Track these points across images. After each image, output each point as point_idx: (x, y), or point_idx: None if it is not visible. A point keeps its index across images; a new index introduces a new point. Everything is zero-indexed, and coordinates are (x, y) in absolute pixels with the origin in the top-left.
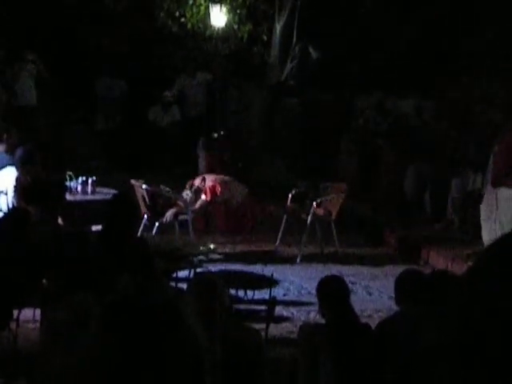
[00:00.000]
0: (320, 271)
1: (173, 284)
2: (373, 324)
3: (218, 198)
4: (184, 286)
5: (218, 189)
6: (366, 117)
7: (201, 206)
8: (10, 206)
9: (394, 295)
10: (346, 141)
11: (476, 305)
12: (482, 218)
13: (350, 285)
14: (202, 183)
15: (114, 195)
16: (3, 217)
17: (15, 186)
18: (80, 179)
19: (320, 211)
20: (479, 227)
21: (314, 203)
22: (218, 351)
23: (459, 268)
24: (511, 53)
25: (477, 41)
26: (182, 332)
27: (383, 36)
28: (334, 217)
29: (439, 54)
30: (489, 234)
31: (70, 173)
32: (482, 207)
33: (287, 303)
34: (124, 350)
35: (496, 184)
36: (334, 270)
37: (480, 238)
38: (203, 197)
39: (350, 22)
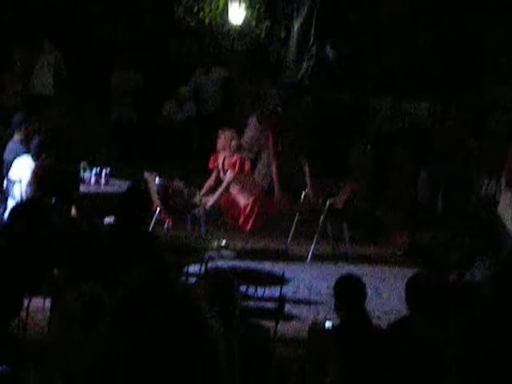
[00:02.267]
0: (330, 271)
1: (183, 278)
2: (382, 326)
3: (244, 173)
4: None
5: (247, 166)
6: (380, 118)
7: (229, 182)
8: (24, 195)
9: (403, 297)
10: (359, 141)
11: (496, 313)
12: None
13: None
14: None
15: (128, 188)
16: (19, 206)
17: (32, 177)
18: (94, 170)
19: (332, 210)
20: None
21: (327, 202)
22: (235, 349)
23: None
24: None
25: (496, 40)
26: (202, 326)
27: (400, 38)
28: (345, 217)
29: (456, 56)
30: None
31: (84, 164)
32: (501, 210)
33: (297, 301)
34: (141, 340)
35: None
36: (344, 270)
37: None
38: (228, 173)
39: (367, 22)
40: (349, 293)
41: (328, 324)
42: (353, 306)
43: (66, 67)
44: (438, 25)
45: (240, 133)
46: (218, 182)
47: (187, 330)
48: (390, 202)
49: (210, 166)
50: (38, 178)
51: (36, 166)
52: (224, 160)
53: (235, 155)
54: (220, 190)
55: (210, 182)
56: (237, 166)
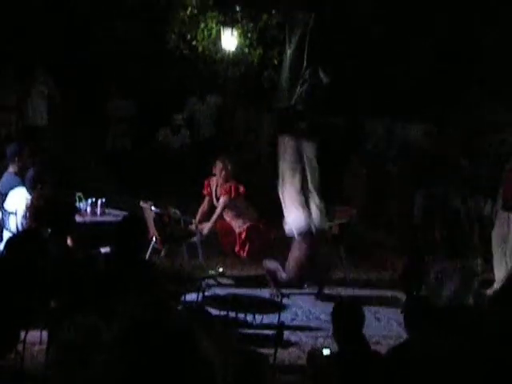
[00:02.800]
0: (328, 296)
1: (180, 307)
2: (381, 350)
3: (239, 198)
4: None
5: (242, 189)
6: (374, 141)
7: (223, 207)
8: (20, 227)
9: (402, 321)
10: (354, 165)
11: (493, 336)
12: (493, 244)
13: None
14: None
15: (124, 217)
16: (14, 238)
17: (27, 208)
18: (89, 200)
19: (329, 236)
20: (489, 253)
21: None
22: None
23: None
24: None
25: (488, 62)
26: (196, 356)
27: (393, 61)
28: (342, 241)
29: (450, 78)
30: (501, 259)
31: (80, 194)
32: (494, 234)
33: (295, 328)
34: (140, 371)
35: (508, 207)
36: (343, 295)
37: (489, 263)
38: (222, 198)
39: (360, 46)
40: (346, 319)
41: (326, 351)
42: (351, 332)
43: (60, 97)
44: (431, 44)
45: (235, 159)
46: (212, 208)
47: (183, 359)
48: (386, 224)
49: (204, 192)
50: (33, 209)
51: (31, 197)
52: (217, 186)
53: (229, 182)
54: (215, 216)
55: (204, 208)
56: (232, 191)
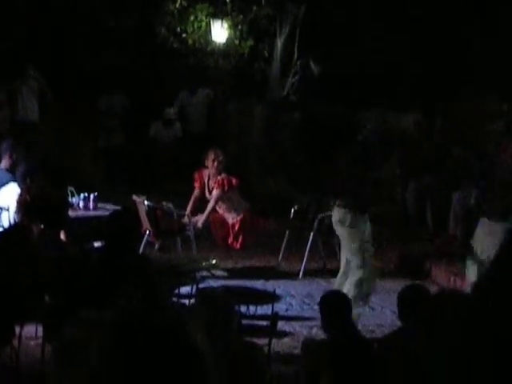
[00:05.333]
0: (322, 286)
1: (175, 300)
2: (376, 339)
3: (232, 190)
4: (186, 301)
5: (234, 181)
6: (366, 131)
7: (216, 200)
8: (12, 222)
9: (396, 310)
10: (347, 155)
11: (479, 324)
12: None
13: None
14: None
15: (114, 211)
16: (4, 233)
17: (17, 203)
18: (82, 195)
19: (322, 226)
20: None
21: (317, 218)
22: (222, 367)
23: (461, 283)
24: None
25: (481, 51)
26: (188, 349)
27: (384, 50)
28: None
29: (442, 67)
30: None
31: (72, 189)
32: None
33: (289, 318)
34: (131, 367)
35: None
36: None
37: None
38: (215, 191)
39: (350, 36)
40: (332, 308)
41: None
42: (338, 321)
43: (52, 93)
44: (422, 34)
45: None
46: (203, 199)
47: (176, 355)
48: (378, 214)
49: (195, 184)
50: (21, 204)
51: (22, 192)
52: (209, 178)
53: (221, 175)
54: (208, 209)
55: (195, 200)
56: (225, 184)
